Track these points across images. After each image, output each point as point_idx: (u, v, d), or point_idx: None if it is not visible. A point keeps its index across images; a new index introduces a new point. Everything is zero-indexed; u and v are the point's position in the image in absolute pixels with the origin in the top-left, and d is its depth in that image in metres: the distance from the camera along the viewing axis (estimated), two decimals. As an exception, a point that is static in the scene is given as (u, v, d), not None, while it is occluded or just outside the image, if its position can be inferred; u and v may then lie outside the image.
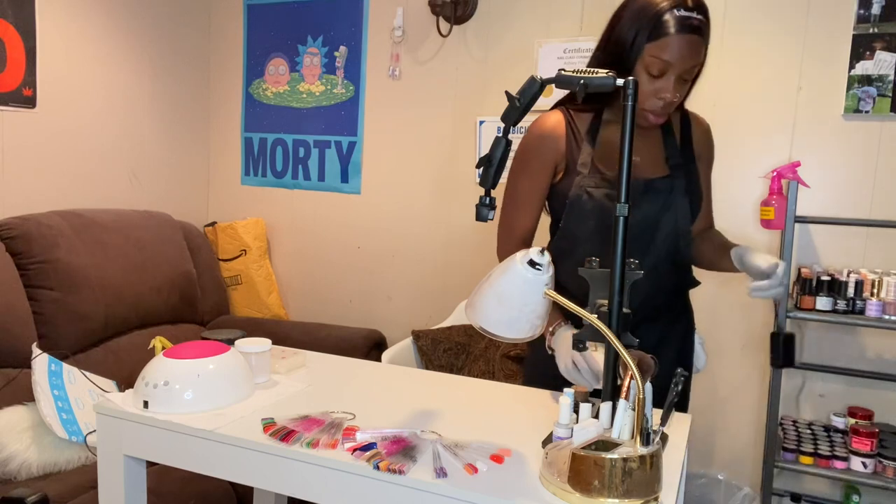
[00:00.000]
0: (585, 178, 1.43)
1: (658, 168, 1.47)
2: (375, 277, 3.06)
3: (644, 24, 1.31)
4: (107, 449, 1.26)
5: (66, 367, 2.04)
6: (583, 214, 1.44)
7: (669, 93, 1.33)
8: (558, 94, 2.69)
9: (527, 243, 1.51)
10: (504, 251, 1.56)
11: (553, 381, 1.37)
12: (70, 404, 1.95)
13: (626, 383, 1.03)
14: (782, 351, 2.14)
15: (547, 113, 1.51)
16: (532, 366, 1.62)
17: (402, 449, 1.10)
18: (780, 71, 2.36)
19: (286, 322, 3.01)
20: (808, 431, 2.28)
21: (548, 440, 1.16)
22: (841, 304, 2.12)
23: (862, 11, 2.24)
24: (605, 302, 1.12)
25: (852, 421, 2.23)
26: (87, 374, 2.09)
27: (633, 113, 1.08)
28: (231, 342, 1.40)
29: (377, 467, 1.04)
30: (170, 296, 2.63)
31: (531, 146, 1.50)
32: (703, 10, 1.31)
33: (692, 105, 1.56)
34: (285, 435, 1.13)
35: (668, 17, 1.29)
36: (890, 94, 2.23)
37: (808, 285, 2.15)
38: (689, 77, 1.36)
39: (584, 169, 1.44)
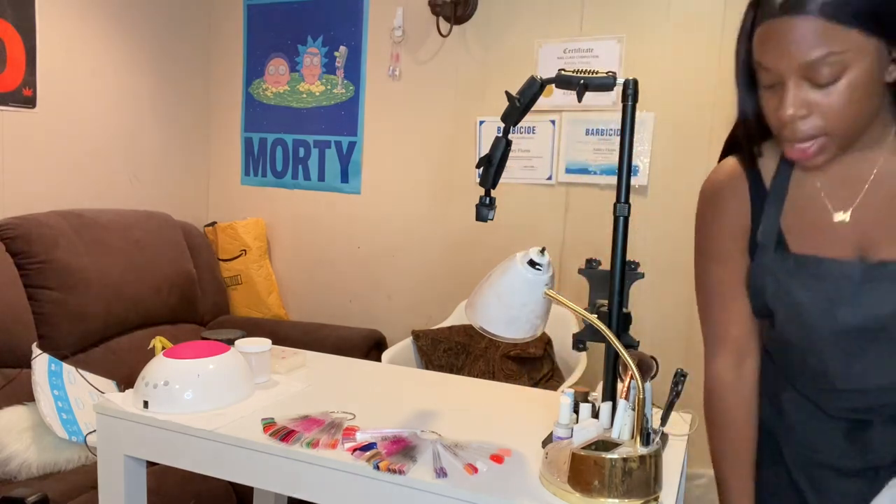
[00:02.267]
0: (771, 257, 1.04)
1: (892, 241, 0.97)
2: (375, 277, 3.06)
3: (745, 18, 0.97)
4: (107, 449, 1.26)
5: (66, 367, 2.04)
6: (776, 312, 1.06)
7: (787, 107, 0.89)
8: (558, 93, 2.71)
9: (743, 351, 1.12)
10: (712, 365, 1.15)
11: None
12: (70, 404, 1.95)
13: (626, 383, 1.03)
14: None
15: (720, 164, 1.11)
16: None
17: (402, 449, 1.10)
18: (780, 71, 2.36)
19: (286, 322, 3.01)
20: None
21: (548, 440, 1.16)
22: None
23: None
24: (605, 302, 1.12)
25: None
26: (85, 373, 2.09)
27: (633, 113, 1.08)
28: (231, 342, 1.40)
29: (377, 467, 1.04)
30: (170, 296, 2.63)
31: (707, 211, 1.10)
32: None
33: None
34: (285, 435, 1.13)
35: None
36: (890, 94, 2.23)
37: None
38: (822, 77, 0.86)
39: (766, 240, 1.04)
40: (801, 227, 1.01)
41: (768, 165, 1.05)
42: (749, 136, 1.02)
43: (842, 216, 0.98)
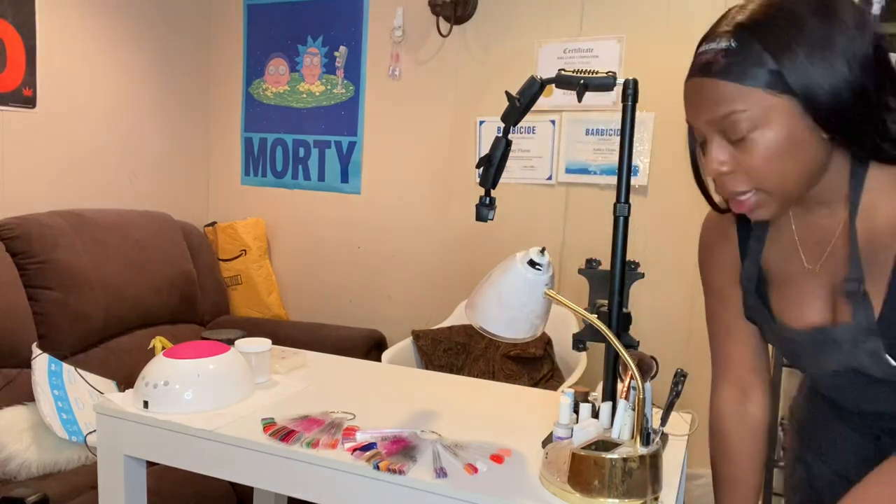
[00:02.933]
0: (750, 301, 1.05)
1: (830, 305, 0.96)
2: (375, 277, 3.06)
3: None
4: (107, 449, 1.26)
5: (66, 367, 2.04)
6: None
7: (710, 163, 0.90)
8: (558, 93, 2.70)
9: (746, 385, 1.13)
10: (715, 395, 1.17)
11: None
12: (70, 404, 1.95)
13: (626, 383, 1.03)
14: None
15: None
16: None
17: (402, 449, 1.10)
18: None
19: (286, 322, 3.01)
20: (808, 431, 2.28)
21: (548, 440, 1.16)
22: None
23: (862, 11, 2.24)
24: (605, 302, 1.12)
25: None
26: (84, 374, 2.09)
27: (633, 113, 1.08)
28: (231, 342, 1.40)
29: (377, 467, 1.04)
30: (170, 296, 2.63)
31: (701, 251, 1.14)
32: (728, 35, 0.85)
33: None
34: (285, 435, 1.13)
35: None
36: (890, 94, 2.23)
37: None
38: (734, 133, 0.85)
39: (748, 284, 1.05)
40: (782, 275, 1.01)
41: None
42: (702, 189, 1.03)
43: (812, 266, 0.97)
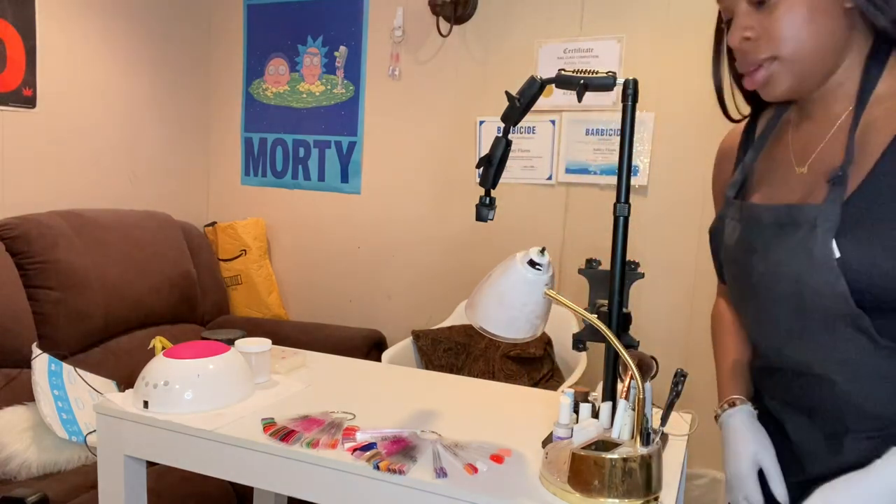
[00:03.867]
0: (729, 204, 1.04)
1: (818, 186, 0.92)
2: (375, 277, 3.06)
3: None
4: (107, 449, 1.26)
5: (66, 367, 2.05)
6: (720, 257, 1.07)
7: (733, 33, 0.92)
8: (558, 93, 2.70)
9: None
10: (717, 301, 1.20)
11: None
12: (70, 404, 1.95)
13: (626, 383, 1.03)
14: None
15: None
16: None
17: (402, 449, 1.10)
18: (780, 71, 2.36)
19: (286, 322, 3.01)
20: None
21: (548, 440, 1.16)
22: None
23: (862, 11, 2.24)
24: (605, 302, 1.12)
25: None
26: (84, 374, 2.09)
27: (633, 113, 1.08)
28: (231, 342, 1.40)
29: (377, 467, 1.04)
30: (170, 296, 2.63)
31: (713, 172, 1.17)
32: None
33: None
34: (285, 435, 1.13)
35: None
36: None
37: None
38: None
39: (730, 191, 1.05)
40: (769, 180, 1.01)
41: (763, 123, 1.07)
42: (719, 91, 1.05)
43: (801, 169, 0.96)
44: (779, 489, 0.96)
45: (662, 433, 1.12)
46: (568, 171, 2.65)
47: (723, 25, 0.99)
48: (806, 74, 0.90)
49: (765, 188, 1.01)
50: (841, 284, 0.84)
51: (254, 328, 2.77)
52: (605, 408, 1.10)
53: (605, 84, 1.07)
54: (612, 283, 1.10)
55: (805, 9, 0.86)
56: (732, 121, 1.10)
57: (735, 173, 1.06)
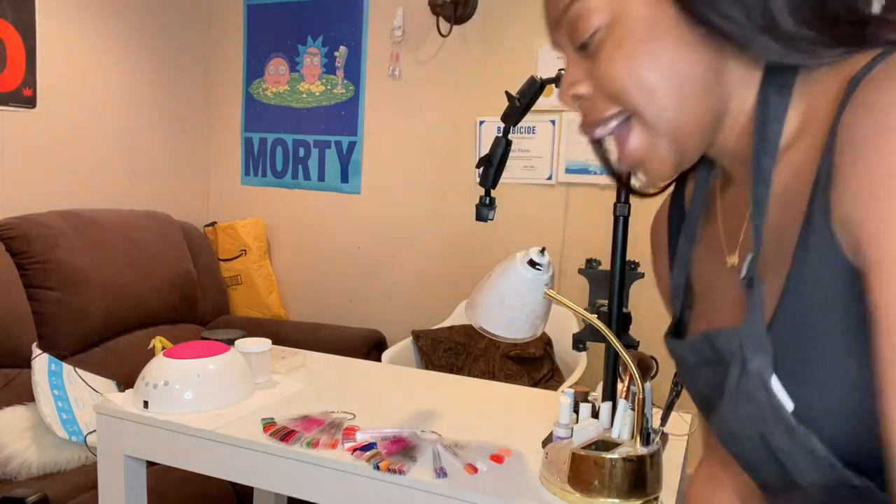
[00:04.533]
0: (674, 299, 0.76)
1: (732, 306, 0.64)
2: (375, 277, 3.06)
3: None
4: (107, 449, 1.26)
5: (65, 367, 2.04)
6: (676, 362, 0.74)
7: (565, 85, 0.65)
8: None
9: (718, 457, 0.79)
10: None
11: None
12: (70, 404, 1.95)
13: (626, 383, 1.03)
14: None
15: None
16: None
17: (402, 449, 1.10)
18: (780, 71, 2.36)
19: (286, 322, 3.01)
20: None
21: (548, 440, 1.16)
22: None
23: (862, 11, 2.24)
24: (605, 302, 1.12)
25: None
26: (83, 374, 2.09)
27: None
28: (231, 342, 1.40)
29: (377, 467, 1.04)
30: (170, 296, 2.63)
31: (654, 271, 0.88)
32: None
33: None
34: (285, 435, 1.13)
35: None
36: (890, 94, 2.23)
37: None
38: (580, 32, 0.60)
39: (675, 303, 0.77)
40: (703, 283, 0.72)
41: (691, 188, 0.75)
42: (606, 165, 0.75)
43: (731, 259, 0.66)
44: None
45: (662, 433, 1.12)
46: (568, 171, 2.65)
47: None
48: (682, 132, 0.59)
49: (701, 301, 0.72)
50: (818, 447, 0.53)
51: (254, 328, 2.76)
52: (605, 408, 1.10)
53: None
54: (612, 283, 1.10)
55: (638, 37, 0.58)
56: (644, 195, 0.80)
57: (673, 275, 0.75)
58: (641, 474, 0.93)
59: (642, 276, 1.14)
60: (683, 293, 0.75)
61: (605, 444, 0.98)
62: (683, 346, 0.68)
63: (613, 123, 0.61)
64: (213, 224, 3.18)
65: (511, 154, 1.17)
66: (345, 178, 3.08)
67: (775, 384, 0.55)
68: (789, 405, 0.54)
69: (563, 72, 0.67)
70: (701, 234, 0.73)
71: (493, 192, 1.16)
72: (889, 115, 0.46)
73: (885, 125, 0.46)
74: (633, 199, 1.05)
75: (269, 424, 1.18)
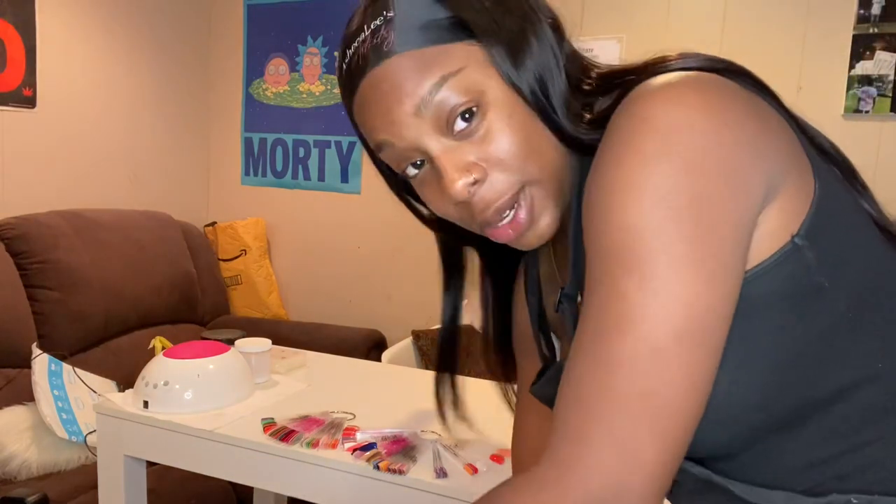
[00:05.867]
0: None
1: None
2: (375, 277, 3.06)
3: (348, 111, 0.72)
4: (107, 449, 1.26)
5: (65, 367, 2.05)
6: None
7: (450, 176, 0.60)
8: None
9: None
10: None
11: None
12: (70, 404, 1.95)
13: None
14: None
15: None
16: None
17: (402, 449, 1.10)
18: (780, 70, 2.36)
19: (286, 322, 3.01)
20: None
21: (548, 440, 1.16)
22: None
23: (862, 11, 2.24)
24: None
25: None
26: (82, 375, 2.09)
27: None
28: (231, 342, 1.40)
29: (377, 467, 1.04)
30: (170, 296, 2.63)
31: None
32: (380, 9, 0.61)
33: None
34: (285, 435, 1.13)
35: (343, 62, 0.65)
36: (890, 95, 2.23)
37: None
38: (452, 113, 0.60)
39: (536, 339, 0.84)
40: (554, 316, 0.75)
41: None
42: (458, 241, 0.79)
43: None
44: None
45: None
46: (568, 171, 2.65)
47: (388, 159, 0.69)
48: (558, 185, 0.63)
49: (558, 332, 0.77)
50: None
51: (254, 328, 2.75)
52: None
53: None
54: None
55: (518, 119, 0.60)
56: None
57: (528, 301, 0.81)
58: (641, 474, 0.93)
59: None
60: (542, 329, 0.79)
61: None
62: (542, 386, 0.76)
63: (522, 197, 0.62)
64: (213, 224, 3.18)
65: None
66: (345, 178, 3.08)
67: None
68: None
69: (416, 169, 0.65)
70: (546, 270, 0.78)
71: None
72: (595, 171, 0.54)
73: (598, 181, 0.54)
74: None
75: (269, 424, 1.18)
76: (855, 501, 0.55)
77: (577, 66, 0.66)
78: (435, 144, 0.60)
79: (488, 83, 0.60)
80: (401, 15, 0.60)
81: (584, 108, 0.63)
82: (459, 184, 0.59)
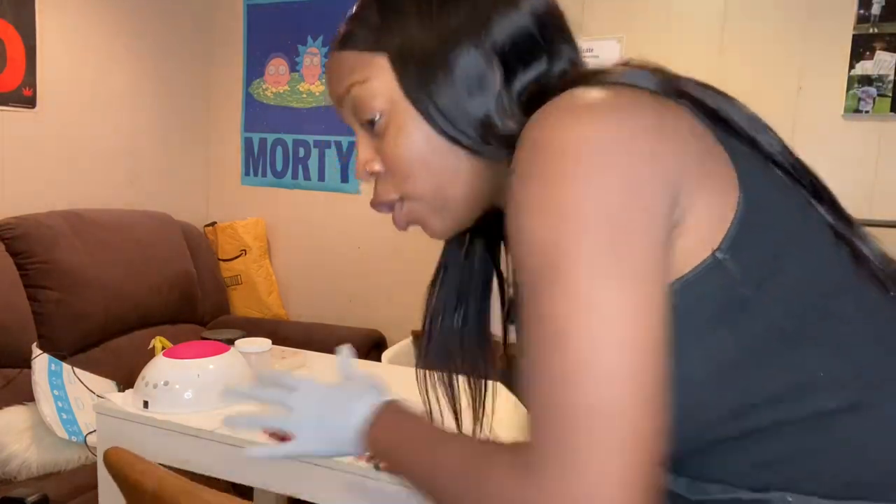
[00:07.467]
0: None
1: None
2: (375, 277, 3.06)
3: None
4: (107, 449, 1.26)
5: (65, 367, 2.04)
6: None
7: (358, 160, 0.71)
8: (558, 94, 2.69)
9: None
10: None
11: None
12: (70, 404, 1.95)
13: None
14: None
15: None
16: None
17: (402, 449, 1.10)
18: (780, 71, 2.36)
19: (286, 322, 3.01)
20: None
21: (548, 440, 1.16)
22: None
23: (862, 11, 2.24)
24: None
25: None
26: (81, 375, 2.09)
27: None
28: (231, 342, 1.40)
29: (377, 467, 1.04)
30: (170, 296, 2.63)
31: None
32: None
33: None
34: (285, 435, 1.13)
35: None
36: (890, 94, 2.23)
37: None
38: (362, 114, 0.68)
39: None
40: None
41: None
42: None
43: None
44: None
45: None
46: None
47: None
48: (449, 206, 0.71)
49: None
50: None
51: (254, 328, 2.76)
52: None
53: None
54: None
55: (406, 126, 0.65)
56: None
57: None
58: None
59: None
60: None
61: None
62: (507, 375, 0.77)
63: (399, 207, 0.72)
64: (213, 224, 3.18)
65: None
66: (345, 178, 3.08)
67: None
68: None
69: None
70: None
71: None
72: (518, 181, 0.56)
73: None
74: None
75: (269, 424, 1.17)
76: (791, 499, 0.55)
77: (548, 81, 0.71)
78: (357, 128, 0.70)
79: (390, 97, 0.66)
80: (357, 14, 0.69)
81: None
82: (360, 170, 0.70)
